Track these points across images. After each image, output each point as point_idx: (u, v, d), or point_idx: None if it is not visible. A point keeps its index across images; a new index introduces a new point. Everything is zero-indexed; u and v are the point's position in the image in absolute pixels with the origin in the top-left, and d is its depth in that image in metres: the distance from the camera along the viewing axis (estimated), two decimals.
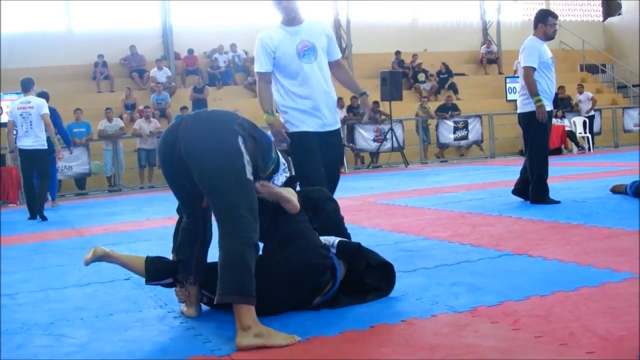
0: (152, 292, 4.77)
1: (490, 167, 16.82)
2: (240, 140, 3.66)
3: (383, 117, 20.48)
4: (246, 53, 24.39)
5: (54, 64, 21.63)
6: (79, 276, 5.76)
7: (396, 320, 3.66)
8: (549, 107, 8.42)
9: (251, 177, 3.64)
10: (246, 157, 3.63)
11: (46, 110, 11.48)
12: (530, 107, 8.38)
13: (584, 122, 21.92)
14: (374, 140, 20.13)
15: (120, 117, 19.01)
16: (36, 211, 11.25)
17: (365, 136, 20.12)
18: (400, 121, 20.52)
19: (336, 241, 4.16)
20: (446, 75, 25.53)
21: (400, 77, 21.17)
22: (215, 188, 3.61)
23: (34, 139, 11.35)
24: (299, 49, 5.75)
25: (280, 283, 3.86)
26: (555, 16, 8.68)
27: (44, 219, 11.07)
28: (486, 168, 16.63)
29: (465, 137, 21.36)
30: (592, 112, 22.41)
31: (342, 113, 20.26)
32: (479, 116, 21.59)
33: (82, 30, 23.80)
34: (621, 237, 5.70)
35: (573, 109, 22.53)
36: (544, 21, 8.47)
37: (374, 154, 20.51)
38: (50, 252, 7.26)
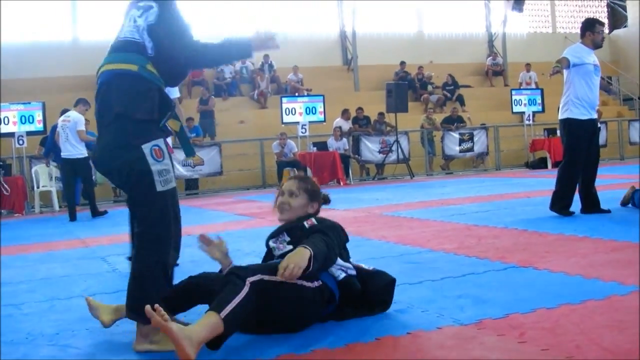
0: None
1: (496, 179, 16.79)
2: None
3: (389, 128, 20.50)
4: (253, 64, 24.45)
5: (60, 75, 21.71)
6: (84, 286, 5.76)
7: (402, 333, 3.65)
8: (587, 115, 8.46)
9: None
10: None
11: (81, 127, 12.86)
12: (567, 114, 8.42)
13: None
14: (380, 152, 20.14)
15: None
16: (75, 214, 12.62)
17: (370, 148, 20.14)
18: (406, 133, 20.53)
19: (342, 276, 4.08)
20: (452, 87, 25.56)
21: (405, 88, 21.18)
22: None
23: (71, 148, 12.76)
24: None
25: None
26: (602, 24, 8.72)
27: (101, 214, 13.01)
28: (492, 180, 16.60)
29: (470, 149, 21.35)
30: (598, 125, 22.37)
31: (348, 124, 20.29)
32: (485, 128, 21.59)
33: (89, 40, 23.83)
34: (627, 249, 5.68)
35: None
36: (592, 29, 8.48)
37: (380, 166, 20.51)
38: (55, 263, 7.26)
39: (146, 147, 3.63)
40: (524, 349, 3.26)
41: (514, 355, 3.18)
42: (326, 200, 4.61)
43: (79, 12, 24.12)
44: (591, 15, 30.94)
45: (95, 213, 13.03)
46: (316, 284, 3.81)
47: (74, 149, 12.80)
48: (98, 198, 17.69)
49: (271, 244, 4.22)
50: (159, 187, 3.64)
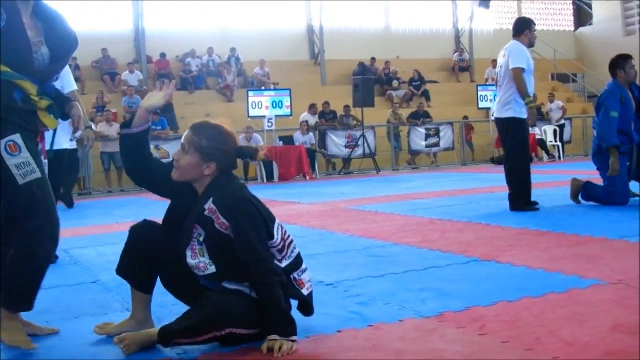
0: (119, 295, 4.72)
1: (461, 175, 16.89)
2: None
3: (355, 122, 20.51)
4: (219, 57, 24.37)
5: None
6: (45, 279, 5.69)
7: (363, 325, 3.64)
8: (525, 114, 8.46)
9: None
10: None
11: None
12: (511, 113, 8.40)
13: (555, 131, 22.09)
14: (346, 147, 20.16)
15: (92, 120, 18.86)
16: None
17: (337, 142, 20.14)
18: (372, 127, 20.55)
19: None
20: (418, 82, 25.62)
21: (372, 83, 21.19)
22: None
23: (70, 139, 12.25)
24: None
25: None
26: (535, 24, 8.83)
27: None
28: (457, 175, 16.69)
29: (436, 144, 21.43)
30: (563, 121, 22.59)
31: (314, 119, 20.27)
32: (451, 123, 21.67)
33: None
34: (589, 244, 5.72)
35: (544, 118, 22.63)
36: (529, 28, 8.61)
37: (346, 160, 20.53)
38: None
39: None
40: (484, 341, 3.26)
41: (474, 347, 3.18)
42: (243, 154, 3.72)
43: None
44: (557, 12, 31.30)
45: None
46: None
47: (67, 140, 12.55)
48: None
49: (190, 261, 3.54)
50: (20, 180, 3.61)
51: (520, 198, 8.38)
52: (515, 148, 8.51)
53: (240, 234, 3.37)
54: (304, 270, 3.63)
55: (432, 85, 26.26)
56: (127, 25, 24.27)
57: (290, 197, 12.53)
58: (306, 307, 3.64)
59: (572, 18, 32.51)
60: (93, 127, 15.95)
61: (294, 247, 3.62)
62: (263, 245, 3.39)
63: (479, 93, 22.28)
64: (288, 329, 3.31)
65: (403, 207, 9.57)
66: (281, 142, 19.05)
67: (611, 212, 7.77)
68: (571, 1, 32.42)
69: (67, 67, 6.97)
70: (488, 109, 22.21)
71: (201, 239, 3.51)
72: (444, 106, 24.68)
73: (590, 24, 31.28)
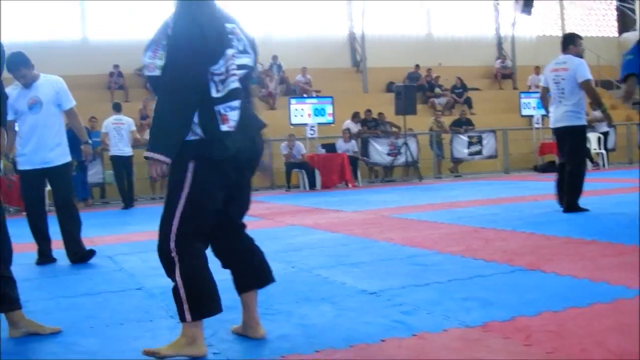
0: (163, 302, 4.76)
1: (504, 183, 16.78)
2: None
3: (396, 130, 20.47)
4: (262, 65, 24.45)
5: (69, 73, 21.59)
6: (90, 285, 5.77)
7: (407, 334, 3.64)
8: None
9: None
10: None
11: (134, 128, 15.75)
12: (578, 121, 8.96)
13: (599, 139, 21.83)
14: (388, 154, 20.10)
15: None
16: (128, 202, 15.28)
17: (379, 150, 20.10)
18: (414, 135, 20.50)
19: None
20: (461, 90, 25.53)
21: (414, 91, 21.11)
22: None
23: (124, 147, 15.18)
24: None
25: None
26: (581, 38, 9.34)
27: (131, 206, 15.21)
28: (500, 183, 16.58)
29: (479, 152, 21.31)
30: (607, 129, 22.33)
31: (356, 126, 20.26)
32: (493, 131, 21.54)
33: (98, 39, 23.97)
34: (635, 253, 5.65)
35: (588, 125, 22.33)
36: (574, 42, 9.15)
37: (388, 168, 20.49)
38: (62, 260, 7.26)
39: None
40: (529, 351, 3.25)
41: (519, 357, 3.17)
42: None
43: (89, 12, 24.18)
44: (600, 18, 31.03)
45: (131, 204, 15.36)
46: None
47: (126, 147, 15.23)
48: (106, 197, 17.84)
49: (146, 59, 3.55)
50: None
51: (576, 201, 8.80)
52: (578, 154, 9.05)
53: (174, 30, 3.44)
54: (233, 108, 3.49)
55: (475, 93, 26.14)
56: None
57: (333, 205, 12.54)
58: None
59: (615, 24, 32.18)
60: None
61: (234, 82, 3.51)
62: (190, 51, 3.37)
63: (522, 100, 22.12)
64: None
65: (446, 215, 9.54)
66: (324, 150, 19.05)
67: None
68: (615, 7, 32.10)
69: (63, 85, 7.26)
70: (531, 116, 22.07)
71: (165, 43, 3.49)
72: (487, 114, 24.53)
73: (634, 30, 30.90)
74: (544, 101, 9.47)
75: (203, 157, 3.46)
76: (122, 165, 15.26)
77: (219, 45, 3.44)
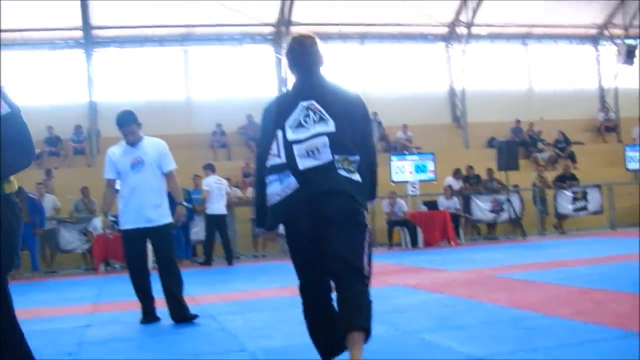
0: None
1: (611, 239, 16.39)
2: None
3: (498, 186, 20.26)
4: None
5: (173, 132, 22.18)
6: (192, 346, 5.85)
7: None
8: None
9: None
10: None
11: (230, 190, 16.70)
12: None
13: None
14: (491, 211, 19.89)
15: (237, 185, 19.36)
16: (212, 259, 15.93)
17: (481, 207, 19.92)
18: (517, 191, 20.25)
19: None
20: (564, 144, 25.15)
21: (516, 146, 20.93)
22: None
23: (221, 207, 15.90)
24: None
25: None
26: None
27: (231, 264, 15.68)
28: (606, 240, 16.21)
29: (584, 208, 20.88)
30: None
31: (458, 183, 20.15)
32: (598, 186, 21.09)
33: (201, 99, 24.55)
34: None
35: None
36: None
37: (491, 225, 20.26)
38: (165, 319, 7.36)
39: None
40: None
41: None
42: None
43: (191, 74, 24.85)
44: None
45: (231, 260, 15.81)
46: None
47: (223, 207, 16.00)
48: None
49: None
50: None
51: None
52: None
53: None
54: (271, 182, 4.24)
55: (578, 147, 25.69)
56: (272, 90, 24.59)
57: (435, 263, 12.46)
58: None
59: None
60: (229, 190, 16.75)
61: (273, 159, 4.26)
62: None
63: (627, 154, 21.67)
64: None
65: (552, 275, 9.37)
66: (425, 207, 18.98)
67: None
68: None
69: (166, 148, 7.45)
70: (637, 170, 21.56)
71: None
72: (591, 168, 24.04)
73: None
74: None
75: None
76: (217, 223, 15.92)
77: (272, 132, 4.28)
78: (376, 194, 4.60)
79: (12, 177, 3.66)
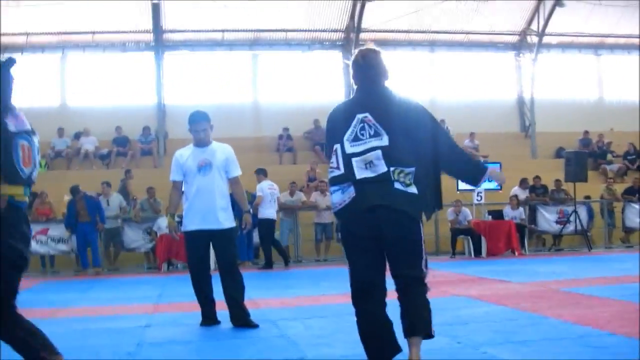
0: None
1: None
2: None
3: (566, 197, 20.00)
4: None
5: (240, 135, 22.34)
6: (251, 351, 5.86)
7: None
8: None
9: None
10: None
11: (280, 195, 17.00)
12: None
13: None
14: (557, 222, 19.64)
15: (301, 189, 19.42)
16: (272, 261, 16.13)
17: (547, 218, 19.69)
18: (585, 203, 19.96)
19: None
20: (634, 156, 24.71)
21: (586, 157, 20.61)
22: None
23: (273, 211, 16.07)
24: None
25: None
26: None
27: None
28: None
29: None
30: None
31: (524, 193, 19.94)
32: None
33: (268, 102, 24.71)
34: None
35: None
36: None
37: (556, 237, 20.00)
38: (225, 322, 7.43)
39: None
40: None
41: None
42: None
43: (260, 77, 25.05)
44: None
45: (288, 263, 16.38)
46: None
47: (274, 212, 16.23)
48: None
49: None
50: None
51: None
52: None
53: None
54: (331, 192, 4.68)
55: None
56: (339, 96, 24.55)
57: (499, 274, 12.35)
58: None
59: None
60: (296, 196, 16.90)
61: (332, 171, 4.63)
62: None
63: None
64: None
65: (619, 291, 9.19)
66: (490, 216, 18.83)
67: None
68: None
69: (233, 153, 7.49)
70: None
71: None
72: None
73: None
74: None
75: None
76: (270, 228, 16.23)
77: (331, 147, 4.64)
78: (441, 203, 4.80)
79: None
